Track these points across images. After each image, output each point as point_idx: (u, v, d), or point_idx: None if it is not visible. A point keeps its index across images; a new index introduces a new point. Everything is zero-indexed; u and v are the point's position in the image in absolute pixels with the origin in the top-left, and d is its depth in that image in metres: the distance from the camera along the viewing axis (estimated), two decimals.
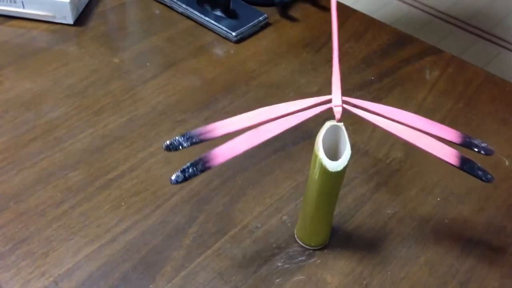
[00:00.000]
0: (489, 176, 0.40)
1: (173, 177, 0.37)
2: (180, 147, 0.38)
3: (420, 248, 0.48)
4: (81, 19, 0.70)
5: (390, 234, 0.49)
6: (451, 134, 0.40)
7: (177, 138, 0.38)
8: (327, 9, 0.77)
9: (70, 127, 0.55)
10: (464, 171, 0.40)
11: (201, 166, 0.38)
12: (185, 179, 0.37)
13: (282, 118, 0.38)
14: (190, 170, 0.38)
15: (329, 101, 0.40)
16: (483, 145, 0.40)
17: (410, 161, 0.56)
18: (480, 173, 0.40)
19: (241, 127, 0.38)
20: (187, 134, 0.38)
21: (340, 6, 0.78)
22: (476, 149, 0.40)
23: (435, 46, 0.72)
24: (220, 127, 0.38)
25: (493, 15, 1.88)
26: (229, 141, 0.38)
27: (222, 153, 0.38)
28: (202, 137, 0.38)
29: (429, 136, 0.39)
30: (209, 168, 0.38)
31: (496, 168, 0.56)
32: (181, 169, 0.37)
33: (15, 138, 0.54)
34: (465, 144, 0.40)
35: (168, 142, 0.38)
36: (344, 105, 0.40)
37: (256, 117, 0.38)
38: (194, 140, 0.38)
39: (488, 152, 0.40)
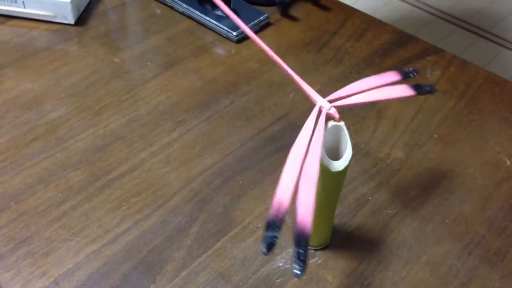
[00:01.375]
0: (433, 86, 0.47)
1: (297, 271, 0.34)
2: (276, 239, 0.35)
3: (421, 248, 0.48)
4: (82, 19, 0.70)
5: (391, 234, 0.49)
6: (393, 76, 0.45)
7: (267, 234, 0.35)
8: (328, 9, 0.77)
9: (71, 127, 0.55)
10: (420, 94, 0.45)
11: (303, 241, 0.35)
12: (305, 261, 0.35)
13: (308, 152, 0.38)
14: (302, 251, 0.35)
15: (321, 109, 0.40)
16: (411, 70, 0.46)
17: (411, 161, 0.56)
18: (428, 88, 0.46)
19: (293, 182, 0.37)
20: (272, 225, 0.35)
21: (340, 5, 0.78)
22: (411, 75, 0.46)
23: (436, 46, 0.72)
24: (283, 196, 0.36)
25: (494, 15, 1.88)
26: (298, 202, 0.36)
27: (305, 216, 0.36)
28: (281, 216, 0.36)
29: (386, 87, 0.43)
30: (310, 235, 0.35)
31: (497, 168, 0.56)
32: (295, 258, 0.34)
33: (16, 138, 0.54)
34: (404, 76, 0.45)
35: (264, 245, 0.35)
36: (333, 104, 0.41)
37: (294, 166, 0.37)
38: (278, 224, 0.35)
39: (416, 72, 0.47)
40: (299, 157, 0.38)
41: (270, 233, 0.35)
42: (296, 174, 0.37)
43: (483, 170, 0.56)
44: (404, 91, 0.44)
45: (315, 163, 0.38)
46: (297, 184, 0.37)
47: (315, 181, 0.37)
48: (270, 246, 0.35)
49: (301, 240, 0.35)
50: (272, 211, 0.36)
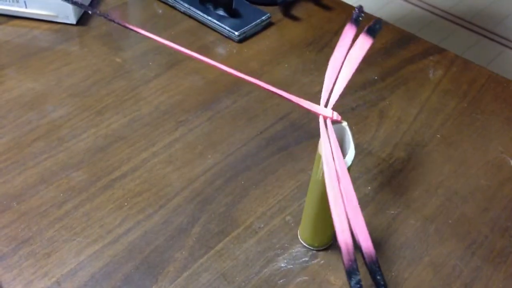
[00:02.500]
0: (379, 20, 0.47)
1: None
2: (361, 283, 0.33)
3: (424, 248, 0.48)
4: (83, 19, 0.70)
5: (393, 235, 0.49)
6: (350, 30, 0.45)
7: (352, 283, 0.33)
8: (330, 8, 0.77)
9: (72, 127, 0.55)
10: (375, 36, 0.46)
11: (375, 266, 0.34)
12: (385, 284, 0.34)
13: (336, 166, 0.37)
14: (379, 277, 0.34)
15: (325, 118, 0.41)
16: (356, 10, 0.47)
17: (414, 161, 0.56)
18: (377, 26, 0.47)
19: (343, 213, 0.36)
20: (352, 272, 0.34)
21: (342, 4, 0.78)
22: (360, 18, 0.46)
23: (438, 45, 0.72)
24: (343, 232, 0.35)
25: (496, 14, 1.88)
26: (355, 231, 0.35)
27: (365, 241, 0.35)
28: (353, 257, 0.34)
29: (352, 52, 0.44)
30: (377, 258, 0.35)
31: (500, 168, 0.56)
32: (378, 285, 0.33)
33: (17, 138, 0.53)
34: (356, 23, 0.46)
35: (352, 284, 0.33)
36: (331, 105, 0.41)
37: (334, 194, 0.36)
38: (355, 266, 0.34)
39: (362, 13, 0.47)
40: (335, 187, 0.37)
41: (355, 280, 0.33)
42: (342, 206, 0.36)
43: (486, 170, 0.56)
44: (364, 44, 0.44)
45: (349, 185, 0.37)
46: (347, 216, 0.35)
47: (357, 203, 0.36)
48: (358, 283, 0.33)
49: (374, 267, 0.34)
50: (345, 257, 0.34)
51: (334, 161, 0.38)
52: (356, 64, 0.43)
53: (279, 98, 0.61)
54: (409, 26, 1.59)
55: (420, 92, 0.64)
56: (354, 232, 0.35)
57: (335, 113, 0.40)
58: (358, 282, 0.33)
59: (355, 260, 0.34)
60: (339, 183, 0.37)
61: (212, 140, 0.56)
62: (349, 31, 0.45)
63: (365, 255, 0.34)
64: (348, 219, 0.35)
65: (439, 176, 0.54)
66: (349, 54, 0.43)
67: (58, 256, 0.44)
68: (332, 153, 0.38)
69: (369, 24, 0.46)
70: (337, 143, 0.38)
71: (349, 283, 0.33)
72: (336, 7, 0.77)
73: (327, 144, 0.38)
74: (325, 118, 0.40)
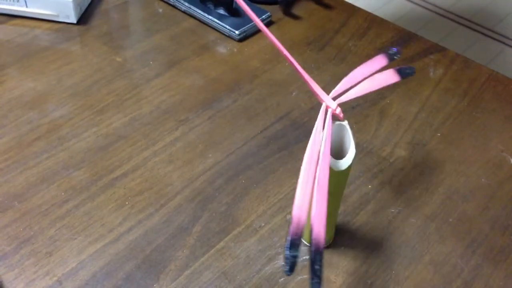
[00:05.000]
0: (412, 67, 0.47)
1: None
2: (298, 258, 0.34)
3: (424, 247, 0.48)
4: (84, 18, 0.70)
5: (394, 233, 0.49)
6: (380, 61, 0.45)
7: (288, 254, 0.34)
8: (330, 7, 0.77)
9: (73, 126, 0.55)
10: (404, 78, 0.45)
11: (319, 256, 0.34)
12: (320, 277, 0.34)
13: (320, 158, 0.37)
14: (317, 267, 0.34)
15: (327, 109, 0.40)
16: (394, 49, 0.47)
17: (414, 159, 0.56)
18: (408, 70, 0.46)
19: (309, 193, 0.36)
20: (294, 244, 0.34)
21: (343, 3, 0.78)
22: (395, 57, 0.46)
23: (438, 44, 0.72)
24: (300, 210, 0.35)
25: (496, 13, 1.87)
26: (312, 216, 0.36)
27: (319, 230, 0.35)
28: (300, 233, 0.35)
29: (377, 76, 0.44)
30: (323, 249, 0.35)
31: (500, 166, 0.56)
32: (312, 274, 0.34)
33: (18, 138, 0.54)
34: (390, 59, 0.46)
35: (287, 267, 0.34)
36: (338, 102, 0.40)
37: (308, 175, 0.37)
38: (298, 242, 0.34)
39: (398, 54, 0.47)
40: (312, 168, 0.37)
41: (292, 253, 0.34)
42: (311, 187, 0.36)
43: (486, 168, 0.56)
44: (390, 77, 0.45)
45: (326, 174, 0.37)
46: (311, 197, 0.36)
47: (326, 195, 0.36)
48: (293, 266, 0.34)
49: (316, 257, 0.34)
50: (292, 230, 0.35)
51: (321, 147, 0.38)
52: (375, 87, 0.43)
53: (280, 96, 0.61)
54: (410, 25, 1.60)
55: (420, 90, 0.64)
56: (312, 217, 0.35)
57: (339, 109, 0.40)
58: (295, 256, 0.34)
59: (300, 238, 0.34)
60: (316, 167, 0.37)
61: (213, 139, 0.56)
62: (380, 60, 0.45)
63: (313, 241, 0.35)
64: (312, 202, 0.36)
65: (439, 175, 0.55)
66: (373, 77, 0.44)
67: (59, 255, 0.45)
68: (322, 140, 0.38)
69: (403, 67, 0.46)
70: (330, 134, 0.38)
71: (285, 254, 0.34)
72: (336, 6, 0.77)
73: (320, 127, 0.39)
74: (327, 108, 0.40)
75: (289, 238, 0.34)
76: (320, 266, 0.34)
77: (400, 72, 0.46)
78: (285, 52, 0.41)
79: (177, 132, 0.56)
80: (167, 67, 0.64)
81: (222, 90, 0.62)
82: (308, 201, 0.36)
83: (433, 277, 0.46)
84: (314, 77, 0.65)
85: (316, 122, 0.39)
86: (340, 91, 0.41)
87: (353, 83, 0.42)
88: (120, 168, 0.52)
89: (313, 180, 0.36)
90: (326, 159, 0.37)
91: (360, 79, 0.43)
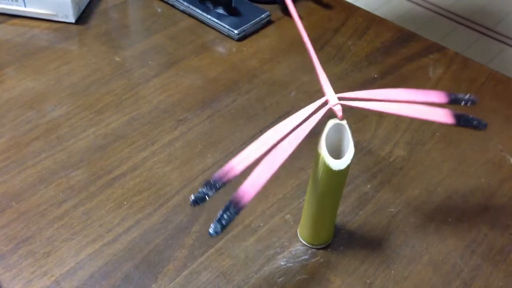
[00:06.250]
0: (484, 122, 0.41)
1: (211, 230, 0.36)
2: (207, 197, 0.36)
3: (423, 247, 0.48)
4: (82, 18, 0.70)
5: (393, 233, 0.49)
6: (438, 96, 0.41)
7: (201, 190, 0.36)
8: (330, 7, 0.77)
9: (72, 126, 0.55)
10: (462, 126, 0.41)
11: (233, 209, 0.36)
12: (223, 227, 0.36)
13: (290, 136, 0.38)
14: (225, 216, 0.36)
15: (326, 102, 0.40)
16: (467, 97, 0.41)
17: (414, 159, 0.56)
18: (475, 122, 0.41)
19: (256, 156, 0.37)
20: (210, 183, 0.36)
21: (342, 3, 0.78)
22: (463, 103, 0.41)
23: (438, 43, 0.72)
24: (238, 164, 0.37)
25: (496, 12, 1.87)
26: (250, 175, 0.37)
27: (249, 189, 0.36)
28: (225, 179, 0.36)
29: (421, 105, 0.40)
30: (242, 208, 0.36)
31: (500, 166, 0.56)
32: (217, 219, 0.36)
33: (17, 137, 0.53)
34: (453, 101, 0.41)
35: (193, 197, 0.36)
36: (341, 102, 0.40)
37: (266, 142, 0.37)
38: (217, 186, 0.36)
39: (475, 101, 0.41)
40: (276, 136, 0.37)
41: (206, 190, 0.36)
42: (264, 150, 0.37)
43: (486, 168, 0.55)
44: (442, 116, 0.40)
45: (289, 149, 0.37)
46: (259, 160, 0.37)
47: (278, 166, 0.37)
48: (199, 201, 0.35)
49: (231, 207, 0.36)
50: (220, 172, 0.36)
51: (296, 130, 0.38)
52: (412, 115, 0.39)
53: (279, 96, 0.61)
54: (409, 24, 1.59)
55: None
56: (251, 175, 0.36)
57: (339, 106, 0.39)
58: (207, 195, 0.35)
59: (223, 184, 0.36)
60: (283, 139, 0.37)
61: (212, 139, 0.56)
62: (439, 95, 0.41)
63: (237, 193, 0.36)
64: (258, 164, 0.36)
65: (439, 175, 0.54)
66: (417, 105, 0.39)
67: (57, 255, 0.44)
68: (302, 124, 0.38)
69: (469, 116, 0.41)
70: (314, 122, 0.38)
71: (199, 189, 0.35)
72: (335, 6, 0.77)
73: (308, 111, 0.38)
74: (326, 102, 0.40)
75: (212, 176, 0.36)
76: (229, 218, 0.36)
77: (460, 118, 0.40)
78: (306, 39, 0.40)
79: (176, 131, 0.56)
80: (166, 66, 0.64)
81: (221, 89, 0.61)
82: (251, 161, 0.36)
83: (433, 277, 0.46)
84: (313, 77, 0.64)
85: (308, 107, 0.39)
86: (357, 96, 0.40)
87: (379, 97, 0.39)
88: (118, 168, 0.52)
89: (271, 145, 0.37)
90: (294, 140, 0.37)
91: (394, 98, 0.39)
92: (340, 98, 0.40)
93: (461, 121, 0.40)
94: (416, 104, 0.40)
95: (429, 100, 0.40)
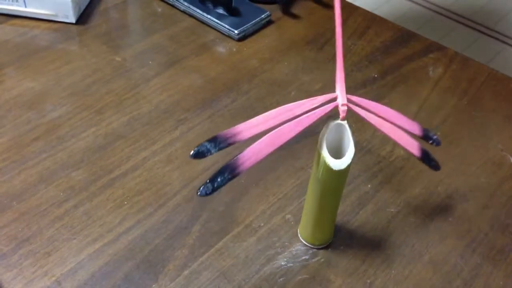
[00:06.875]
0: (439, 166, 0.46)
1: (201, 189, 0.36)
2: (208, 154, 0.36)
3: (424, 246, 0.48)
4: (83, 18, 0.70)
5: (394, 233, 0.49)
6: (416, 128, 0.44)
7: (205, 144, 0.36)
8: (330, 6, 0.77)
9: (72, 126, 0.55)
10: (422, 161, 0.45)
11: (228, 174, 0.36)
12: (214, 189, 0.36)
13: (296, 119, 0.38)
14: (219, 179, 0.36)
15: (335, 98, 0.40)
16: (435, 137, 0.45)
17: (414, 159, 0.55)
18: (433, 163, 0.46)
19: (265, 128, 0.38)
20: (215, 140, 0.37)
21: (342, 2, 0.78)
22: (430, 141, 0.45)
23: (438, 43, 0.72)
24: (246, 129, 0.37)
25: (496, 11, 1.87)
26: (252, 144, 0.37)
27: (248, 158, 0.37)
28: (230, 141, 0.37)
29: (405, 133, 0.42)
30: (237, 175, 0.37)
31: (500, 166, 0.56)
32: (209, 179, 0.36)
33: (17, 138, 0.53)
34: (424, 136, 0.44)
35: (196, 149, 0.36)
36: (349, 104, 0.40)
37: (277, 117, 0.38)
38: (221, 145, 0.37)
39: (439, 143, 0.45)
40: (287, 114, 0.38)
41: (209, 146, 0.36)
42: (272, 124, 0.37)
43: (486, 167, 0.55)
44: (413, 146, 0.43)
45: (295, 130, 0.38)
46: (265, 132, 0.37)
47: (281, 143, 0.38)
48: (200, 155, 0.36)
49: (227, 172, 0.36)
50: (227, 132, 0.37)
51: (304, 116, 0.38)
52: (392, 136, 0.41)
53: (279, 96, 0.61)
54: (409, 24, 1.59)
55: (420, 90, 0.64)
56: (253, 145, 0.37)
57: (345, 107, 0.39)
58: (209, 151, 0.36)
59: (227, 145, 0.37)
60: (290, 119, 0.38)
61: None
62: (416, 127, 0.43)
63: (236, 160, 0.37)
64: (263, 136, 0.37)
65: (439, 174, 0.54)
66: (399, 130, 0.42)
67: (58, 255, 0.44)
68: (310, 113, 0.39)
69: (431, 156, 0.45)
70: (320, 114, 0.39)
71: (202, 143, 0.36)
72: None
73: (318, 101, 0.39)
74: (333, 97, 0.40)
75: (218, 134, 0.37)
76: (222, 183, 0.36)
77: (424, 153, 0.44)
78: (338, 28, 0.40)
79: (176, 131, 0.56)
80: (166, 66, 0.64)
81: (221, 89, 0.61)
82: (260, 131, 0.37)
83: (433, 277, 0.46)
84: (313, 77, 0.65)
85: (319, 97, 0.39)
86: (361, 103, 0.40)
87: (376, 111, 0.41)
88: (119, 168, 0.52)
89: (276, 125, 0.38)
90: (298, 126, 0.38)
91: (385, 116, 0.41)
92: (348, 100, 0.40)
93: (425, 157, 0.44)
94: (401, 129, 0.42)
95: (408, 128, 0.43)
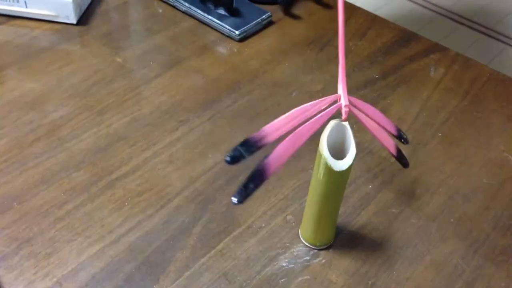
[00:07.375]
0: (408, 165, 0.48)
1: (234, 198, 0.37)
2: (242, 159, 0.37)
3: (425, 247, 0.48)
4: (84, 18, 0.70)
5: (395, 234, 0.49)
6: (392, 128, 0.45)
7: (238, 148, 0.37)
8: (331, 7, 0.77)
9: (73, 127, 0.55)
10: (396, 158, 0.46)
11: (259, 179, 0.37)
12: (247, 196, 0.37)
13: (312, 120, 0.39)
14: (251, 186, 0.37)
15: (337, 100, 0.40)
16: (405, 137, 0.47)
17: (415, 159, 0.56)
18: (404, 161, 0.47)
19: (287, 129, 0.39)
20: (248, 143, 0.37)
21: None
22: (402, 140, 0.47)
23: (439, 44, 0.72)
24: (272, 132, 0.38)
25: (497, 12, 1.87)
26: (276, 148, 0.38)
27: (274, 162, 0.38)
28: (259, 144, 0.38)
29: (384, 132, 0.44)
30: (264, 180, 0.38)
31: (501, 166, 0.56)
32: (243, 186, 0.37)
33: (18, 138, 0.53)
34: (398, 136, 0.46)
35: (231, 154, 0.37)
36: (351, 106, 0.40)
37: (296, 117, 0.39)
38: (252, 149, 0.37)
39: (408, 142, 0.47)
40: (305, 115, 0.39)
41: (243, 149, 0.37)
42: (294, 125, 0.38)
43: (488, 168, 0.55)
44: (389, 144, 0.45)
45: (311, 130, 0.39)
46: (288, 133, 0.38)
47: (301, 144, 0.38)
48: (235, 160, 0.36)
49: (257, 178, 0.37)
50: (256, 135, 0.37)
51: (316, 117, 0.39)
52: (375, 134, 0.43)
53: (280, 97, 0.61)
54: (410, 25, 1.59)
55: (421, 90, 0.64)
56: (277, 147, 0.38)
57: (347, 109, 0.40)
58: (242, 156, 0.37)
59: (257, 149, 0.37)
60: (307, 120, 0.39)
61: (213, 139, 0.56)
62: (392, 127, 0.45)
63: (264, 164, 0.37)
64: (286, 137, 0.38)
65: (440, 175, 0.54)
66: (382, 129, 0.44)
67: (59, 257, 0.44)
68: (318, 115, 0.39)
69: (405, 158, 0.47)
70: (326, 116, 0.39)
71: (236, 147, 0.37)
72: (336, 6, 0.77)
73: (325, 103, 0.40)
74: (337, 98, 0.40)
75: (249, 137, 0.37)
76: (254, 188, 0.37)
77: (399, 152, 0.46)
78: (341, 25, 0.41)
79: (177, 132, 0.56)
80: (167, 67, 0.64)
81: (222, 90, 0.61)
82: (282, 133, 0.38)
83: (434, 278, 0.46)
84: (314, 77, 0.65)
85: (326, 98, 0.40)
86: (359, 106, 0.41)
87: (371, 115, 0.42)
88: (120, 169, 0.52)
89: (299, 122, 0.39)
90: (314, 127, 0.39)
91: (374, 118, 0.43)
92: (350, 102, 0.40)
93: (399, 155, 0.46)
94: (383, 128, 0.44)
95: (389, 127, 0.45)
